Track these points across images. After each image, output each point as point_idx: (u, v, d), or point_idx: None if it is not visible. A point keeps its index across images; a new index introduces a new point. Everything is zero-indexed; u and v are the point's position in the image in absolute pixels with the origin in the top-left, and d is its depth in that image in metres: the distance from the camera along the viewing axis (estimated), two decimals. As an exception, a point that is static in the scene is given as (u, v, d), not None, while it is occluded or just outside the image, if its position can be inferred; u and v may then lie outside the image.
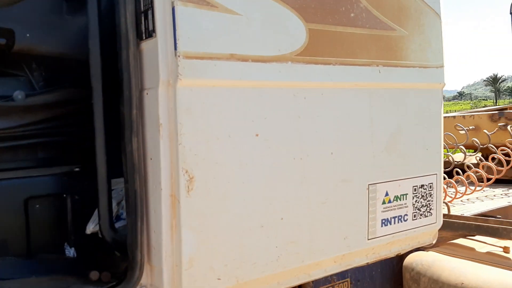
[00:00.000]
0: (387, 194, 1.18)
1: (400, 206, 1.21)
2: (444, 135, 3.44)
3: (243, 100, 0.97)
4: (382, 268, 2.11)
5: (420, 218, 1.24)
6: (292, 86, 1.03)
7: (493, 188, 3.32)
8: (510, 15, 6.48)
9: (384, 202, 1.18)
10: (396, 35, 1.17)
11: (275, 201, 1.02)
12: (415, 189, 1.24)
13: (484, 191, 3.22)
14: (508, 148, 3.21)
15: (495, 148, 3.24)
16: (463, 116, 3.89)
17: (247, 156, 0.97)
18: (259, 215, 0.99)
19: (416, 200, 1.25)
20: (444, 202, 2.31)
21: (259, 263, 0.98)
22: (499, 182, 3.62)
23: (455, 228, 2.13)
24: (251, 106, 0.98)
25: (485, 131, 3.46)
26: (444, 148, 3.40)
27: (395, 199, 1.20)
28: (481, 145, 3.39)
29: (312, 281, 1.53)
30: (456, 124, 3.57)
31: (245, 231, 0.97)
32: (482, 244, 2.10)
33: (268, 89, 1.00)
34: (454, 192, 2.89)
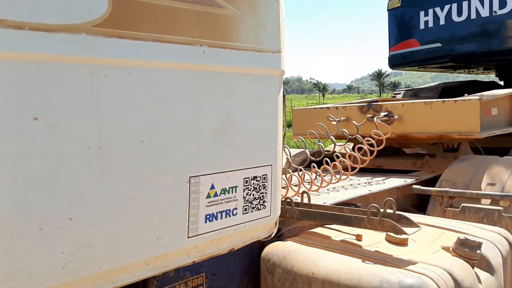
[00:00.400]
0: (213, 187, 1.09)
1: (229, 199, 1.13)
2: (317, 125, 3.53)
3: (15, 75, 0.78)
4: (240, 261, 2.06)
5: (252, 211, 1.17)
6: (87, 62, 0.87)
7: (359, 176, 3.48)
8: (387, 12, 6.92)
9: (209, 196, 1.08)
10: (226, 13, 1.06)
11: (60, 198, 0.85)
12: (246, 181, 1.16)
13: (350, 179, 3.36)
14: (373, 138, 3.37)
15: (362, 139, 3.39)
16: (336, 108, 4.02)
17: (20, 145, 0.79)
18: (37, 216, 0.82)
19: (248, 193, 1.17)
20: (305, 192, 2.33)
21: (37, 273, 0.82)
22: (366, 171, 3.81)
23: (313, 217, 2.16)
24: (27, 83, 0.80)
25: (354, 122, 3.61)
26: (316, 138, 3.49)
27: (222, 192, 1.11)
28: (350, 135, 3.53)
29: (157, 280, 1.41)
30: (328, 115, 3.67)
31: (17, 235, 0.79)
32: (338, 232, 2.14)
33: (53, 64, 0.83)
34: (322, 181, 2.96)
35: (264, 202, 1.21)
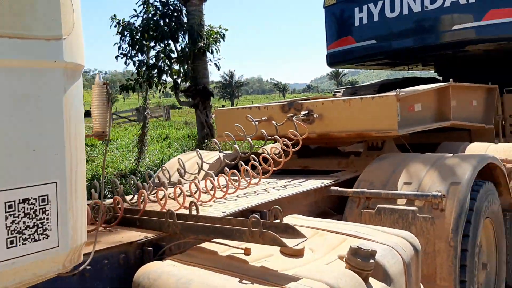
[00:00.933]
0: None
1: (-23, 231, 0.87)
2: (235, 126, 3.31)
3: None
4: (111, 284, 1.81)
5: (25, 243, 0.91)
6: None
7: (278, 179, 3.28)
8: (324, 9, 6.81)
9: None
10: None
11: None
12: (10, 206, 0.90)
13: (269, 183, 3.16)
14: (290, 139, 3.19)
15: (280, 139, 3.20)
16: (259, 108, 3.84)
17: None
18: None
19: (14, 221, 0.91)
20: (193, 202, 2.10)
21: None
22: (289, 173, 3.64)
23: (195, 232, 1.93)
24: None
25: (273, 122, 3.43)
26: (233, 140, 3.27)
27: (-37, 222, 0.85)
28: (269, 136, 3.34)
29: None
30: (247, 116, 3.47)
31: None
32: (228, 247, 1.93)
33: None
34: (227, 188, 2.74)
35: (45, 230, 0.95)
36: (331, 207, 3.14)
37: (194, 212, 2.08)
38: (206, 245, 1.95)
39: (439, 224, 2.55)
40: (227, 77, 69.06)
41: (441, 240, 2.52)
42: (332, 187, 2.99)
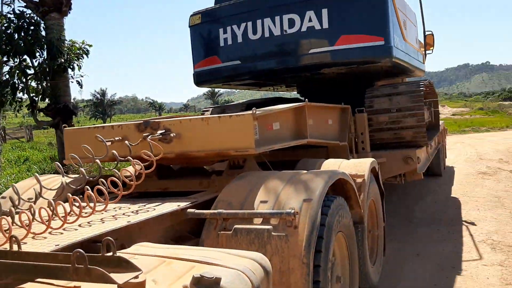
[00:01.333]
0: None
1: None
2: (82, 147, 3.00)
3: None
4: None
5: None
6: None
7: (131, 203, 3.04)
8: (189, 28, 6.73)
9: None
10: None
11: None
12: None
13: (120, 208, 2.90)
14: (144, 160, 2.99)
15: (132, 160, 2.98)
16: (112, 127, 3.56)
17: None
18: None
19: None
20: (13, 236, 1.80)
21: None
22: (147, 196, 3.42)
23: (14, 271, 1.63)
24: None
25: (126, 142, 3.19)
26: (79, 163, 2.97)
27: None
28: (121, 157, 3.09)
29: None
30: (97, 135, 3.19)
31: None
32: (54, 286, 1.66)
33: None
34: (65, 216, 2.44)
35: None
36: (190, 230, 2.99)
37: (16, 247, 1.77)
38: (29, 285, 1.67)
39: (293, 242, 2.54)
40: (98, 95, 65.60)
41: (295, 258, 2.51)
42: (189, 210, 2.84)
